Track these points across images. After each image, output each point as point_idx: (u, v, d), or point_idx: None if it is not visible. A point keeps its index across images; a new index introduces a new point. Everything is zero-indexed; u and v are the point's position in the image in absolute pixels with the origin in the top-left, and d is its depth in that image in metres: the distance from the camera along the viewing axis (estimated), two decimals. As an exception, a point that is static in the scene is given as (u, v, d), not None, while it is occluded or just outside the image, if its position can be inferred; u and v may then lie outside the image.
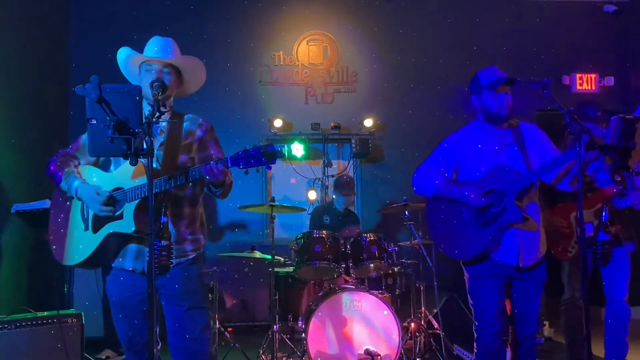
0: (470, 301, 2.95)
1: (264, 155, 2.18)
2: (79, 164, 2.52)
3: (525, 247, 2.77)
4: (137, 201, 2.30)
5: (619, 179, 3.40)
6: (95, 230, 2.40)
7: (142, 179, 2.29)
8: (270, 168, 2.23)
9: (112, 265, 2.47)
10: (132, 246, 2.42)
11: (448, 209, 2.90)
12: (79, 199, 2.43)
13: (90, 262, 2.46)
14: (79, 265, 2.48)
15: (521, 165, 2.80)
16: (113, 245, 2.41)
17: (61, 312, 3.59)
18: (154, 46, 2.51)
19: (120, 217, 2.34)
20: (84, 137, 2.52)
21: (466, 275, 2.97)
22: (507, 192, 2.69)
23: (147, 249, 2.23)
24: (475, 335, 2.91)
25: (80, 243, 2.44)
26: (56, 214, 2.55)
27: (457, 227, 2.86)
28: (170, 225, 2.40)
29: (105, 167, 2.53)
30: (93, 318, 4.55)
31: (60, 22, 6.17)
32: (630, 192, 3.38)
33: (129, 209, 2.32)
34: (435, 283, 4.42)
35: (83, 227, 2.45)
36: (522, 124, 2.94)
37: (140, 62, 2.50)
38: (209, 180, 2.37)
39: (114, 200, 2.34)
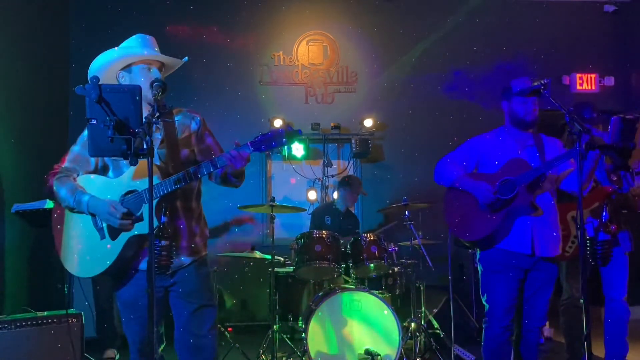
0: (482, 296, 3.06)
1: (286, 135, 2.21)
2: (78, 175, 2.46)
3: (538, 236, 2.91)
4: (156, 200, 2.27)
5: (614, 178, 3.40)
6: (114, 237, 2.35)
7: (155, 179, 2.24)
8: (290, 149, 2.26)
9: (126, 267, 2.43)
10: (147, 247, 2.39)
11: (464, 197, 3.06)
12: (91, 214, 2.36)
13: (111, 271, 2.39)
14: (100, 276, 2.41)
15: (538, 164, 2.96)
16: (133, 249, 2.38)
17: (62, 311, 3.59)
18: (148, 44, 2.46)
19: (140, 218, 2.31)
20: (76, 148, 2.48)
21: (480, 270, 3.09)
22: (519, 182, 2.86)
23: (157, 249, 2.22)
24: (484, 327, 3.04)
25: (98, 253, 2.38)
26: (63, 229, 2.48)
27: (471, 212, 3.02)
28: (182, 222, 2.42)
29: (103, 174, 2.48)
30: (92, 318, 4.56)
31: (60, 22, 6.17)
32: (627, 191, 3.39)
33: (147, 209, 2.27)
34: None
35: (98, 236, 2.38)
36: (543, 135, 3.14)
37: (130, 63, 2.42)
38: (232, 170, 2.35)
39: (130, 213, 2.30)
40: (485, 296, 3.05)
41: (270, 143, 2.21)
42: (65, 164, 2.48)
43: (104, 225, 2.37)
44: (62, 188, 2.38)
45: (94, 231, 2.40)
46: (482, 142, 3.16)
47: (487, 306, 3.04)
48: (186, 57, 2.53)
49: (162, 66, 2.49)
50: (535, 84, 2.77)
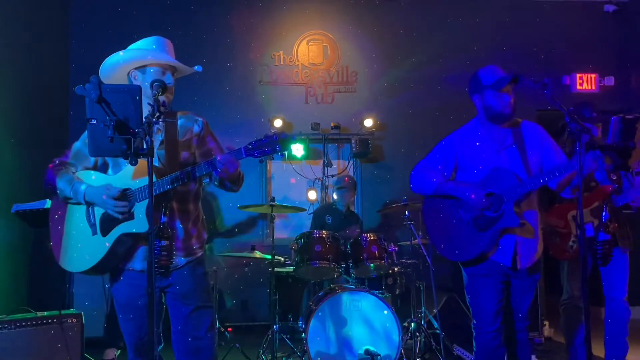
0: (468, 299, 2.98)
1: (279, 142, 2.20)
2: (76, 171, 2.49)
3: (522, 250, 2.80)
4: (147, 200, 2.27)
5: (614, 177, 3.39)
6: (105, 233, 2.37)
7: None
8: (283, 155, 2.26)
9: (120, 267, 2.44)
10: (141, 247, 2.41)
11: (445, 210, 2.90)
12: (89, 203, 2.39)
13: (101, 267, 2.42)
14: (90, 272, 2.43)
15: (520, 168, 2.80)
16: (123, 248, 2.39)
17: (62, 312, 3.59)
18: (166, 49, 2.49)
19: (131, 217, 2.32)
20: (77, 144, 2.51)
21: (464, 275, 2.97)
22: (506, 197, 2.69)
23: (157, 249, 2.23)
24: (474, 333, 2.93)
25: (89, 248, 2.40)
26: (58, 223, 2.51)
27: (454, 229, 2.86)
28: (178, 223, 2.42)
29: (102, 172, 2.50)
30: (93, 318, 4.56)
31: (60, 22, 6.17)
32: (627, 190, 3.37)
33: (140, 208, 2.30)
34: (434, 282, 4.41)
35: (90, 232, 2.41)
36: (523, 124, 2.93)
37: (145, 64, 2.45)
38: (225, 176, 2.35)
39: (124, 195, 2.31)
40: (471, 299, 2.93)
41: (264, 150, 2.21)
42: (64, 158, 2.52)
43: (97, 221, 2.40)
44: (60, 179, 2.42)
45: (86, 227, 2.43)
46: (457, 142, 2.94)
47: (473, 310, 2.93)
48: (199, 67, 2.54)
49: (174, 71, 2.51)
50: (540, 84, 2.64)
